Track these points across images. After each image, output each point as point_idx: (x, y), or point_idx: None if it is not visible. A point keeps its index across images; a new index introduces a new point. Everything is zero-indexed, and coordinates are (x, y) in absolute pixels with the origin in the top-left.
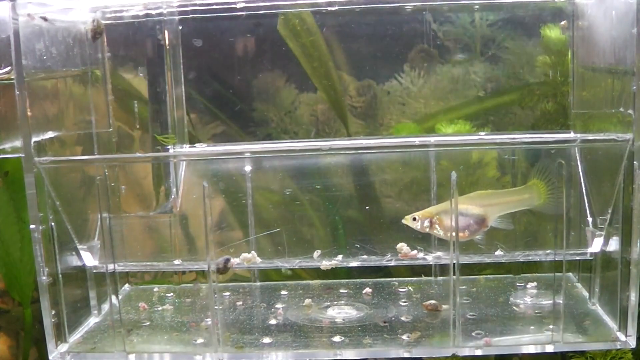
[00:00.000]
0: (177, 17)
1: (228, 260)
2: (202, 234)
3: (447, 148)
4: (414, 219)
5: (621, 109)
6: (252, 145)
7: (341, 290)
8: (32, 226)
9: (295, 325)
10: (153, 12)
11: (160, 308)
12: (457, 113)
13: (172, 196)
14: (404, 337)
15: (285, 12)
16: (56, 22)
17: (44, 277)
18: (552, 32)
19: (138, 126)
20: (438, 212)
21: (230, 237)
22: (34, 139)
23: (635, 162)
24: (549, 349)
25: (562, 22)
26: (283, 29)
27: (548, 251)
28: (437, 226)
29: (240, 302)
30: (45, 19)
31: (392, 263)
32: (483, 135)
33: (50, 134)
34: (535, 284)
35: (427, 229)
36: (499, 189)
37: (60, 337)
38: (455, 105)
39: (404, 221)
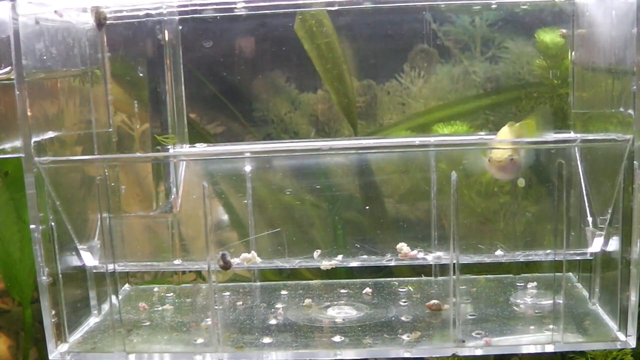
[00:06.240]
0: (177, 17)
1: (225, 255)
2: (202, 234)
3: (447, 148)
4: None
5: (621, 109)
6: (252, 145)
7: (341, 290)
8: (32, 226)
9: (295, 325)
10: (153, 12)
11: (160, 308)
12: (457, 113)
13: (172, 196)
14: (404, 337)
15: (300, 12)
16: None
17: (44, 277)
18: (547, 36)
19: (138, 126)
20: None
21: (230, 237)
22: (34, 139)
23: (635, 162)
24: (549, 349)
25: (562, 31)
26: (300, 30)
27: (548, 251)
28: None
29: (240, 302)
30: None
31: (392, 263)
32: (483, 135)
33: (50, 134)
34: (535, 284)
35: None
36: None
37: (60, 337)
38: (455, 106)
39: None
